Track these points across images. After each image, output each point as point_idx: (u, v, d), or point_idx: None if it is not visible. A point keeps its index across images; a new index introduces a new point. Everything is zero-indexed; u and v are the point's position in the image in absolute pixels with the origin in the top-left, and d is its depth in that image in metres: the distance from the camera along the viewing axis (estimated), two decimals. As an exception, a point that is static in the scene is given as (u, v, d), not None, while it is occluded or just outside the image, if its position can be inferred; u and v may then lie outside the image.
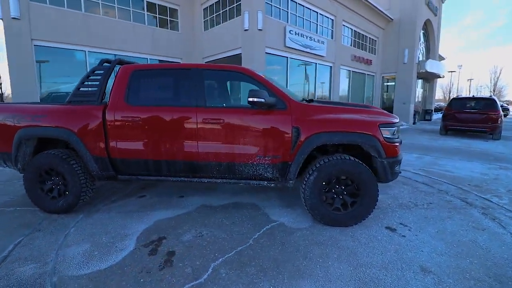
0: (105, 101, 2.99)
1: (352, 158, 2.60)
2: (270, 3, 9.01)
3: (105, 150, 2.89)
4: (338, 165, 2.57)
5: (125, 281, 1.91)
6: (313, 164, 2.68)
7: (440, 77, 20.05)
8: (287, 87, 10.36)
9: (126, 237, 2.54)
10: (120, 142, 2.86)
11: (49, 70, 7.87)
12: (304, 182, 2.66)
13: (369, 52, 15.78)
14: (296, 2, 9.98)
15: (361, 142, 2.57)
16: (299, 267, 2.08)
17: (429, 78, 19.77)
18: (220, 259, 2.18)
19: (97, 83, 2.96)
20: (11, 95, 7.95)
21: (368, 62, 15.51)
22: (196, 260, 2.16)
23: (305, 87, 11.78)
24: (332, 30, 12.36)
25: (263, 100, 2.50)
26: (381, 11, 14.66)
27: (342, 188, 2.67)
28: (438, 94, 51.89)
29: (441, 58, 22.99)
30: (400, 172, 3.21)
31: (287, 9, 9.69)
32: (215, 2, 9.97)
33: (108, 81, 3.03)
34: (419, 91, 18.96)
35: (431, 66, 16.26)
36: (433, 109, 20.81)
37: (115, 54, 8.88)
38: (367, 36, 15.29)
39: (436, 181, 4.33)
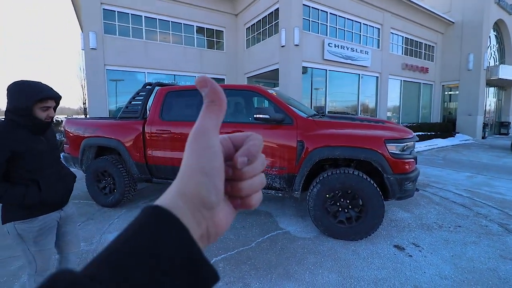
0: (146, 117, 3.65)
1: (356, 172, 2.65)
2: (308, 19, 9.24)
3: (144, 157, 3.51)
4: (341, 178, 2.65)
5: (142, 264, 2.36)
6: (318, 177, 2.81)
7: (521, 84, 17.06)
8: (326, 98, 10.31)
9: (153, 230, 3.03)
10: (154, 151, 3.45)
11: (117, 89, 9.51)
12: (309, 194, 2.80)
13: (425, 59, 14.51)
14: (336, 15, 10.00)
15: (364, 157, 2.61)
16: (289, 271, 2.24)
17: (505, 86, 17.01)
18: (222, 256, 2.48)
19: (140, 102, 3.64)
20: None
21: (424, 70, 14.24)
22: (201, 254, 2.50)
23: (348, 98, 11.47)
24: (378, 39, 11.86)
25: (268, 116, 2.77)
26: (439, 15, 13.46)
27: (347, 202, 2.72)
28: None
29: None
30: (418, 190, 3.08)
31: (326, 23, 9.77)
32: (257, 22, 10.67)
33: (149, 100, 3.69)
34: (491, 101, 16.45)
35: (505, 72, 14.04)
36: (510, 121, 17.72)
37: (169, 74, 10.22)
38: (421, 43, 14.13)
39: (478, 204, 3.88)
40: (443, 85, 15.45)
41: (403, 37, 13.14)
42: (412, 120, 14.26)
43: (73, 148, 3.96)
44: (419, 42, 14.01)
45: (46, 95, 1.47)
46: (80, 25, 10.65)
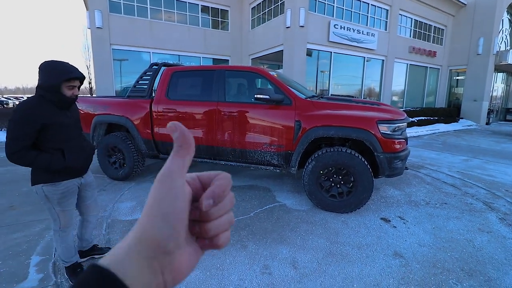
0: (153, 96, 3.83)
1: (349, 150, 2.84)
2: (315, -1, 9.07)
3: (151, 134, 3.72)
4: (334, 156, 2.85)
5: (152, 228, 2.64)
6: (313, 155, 3.01)
7: (531, 70, 16.64)
8: (330, 81, 10.29)
9: (160, 201, 3.31)
10: (161, 128, 3.65)
11: (122, 69, 9.61)
12: (304, 170, 3.01)
13: (433, 42, 14.16)
14: (343, -5, 9.76)
15: (356, 136, 2.78)
16: (283, 236, 2.50)
17: (515, 71, 16.61)
18: (223, 223, 2.74)
19: (147, 82, 3.80)
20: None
21: (432, 54, 13.95)
22: (204, 221, 2.77)
23: (353, 82, 11.42)
24: (386, 21, 11.58)
25: (268, 96, 2.93)
26: (451, -4, 12.98)
27: (339, 178, 2.94)
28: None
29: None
30: (407, 169, 3.29)
31: (333, 3, 9.56)
32: (262, 1, 10.46)
33: (156, 80, 3.85)
34: (498, 87, 16.16)
35: (515, 56, 13.69)
36: (517, 107, 17.46)
37: (173, 55, 10.23)
38: (431, 25, 13.74)
39: (467, 184, 4.08)
40: (450, 70, 15.17)
41: (412, 19, 12.78)
42: (417, 105, 14.18)
43: (84, 125, 4.17)
44: (429, 24, 13.62)
45: (74, 75, 1.65)
46: (85, 3, 10.54)
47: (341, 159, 2.82)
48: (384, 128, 2.79)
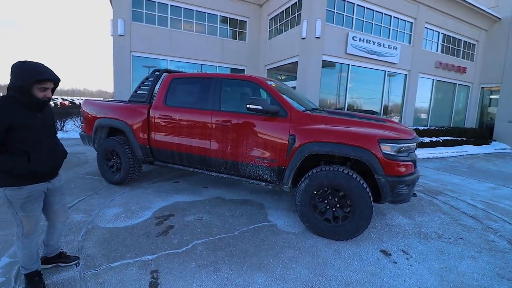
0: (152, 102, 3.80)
1: (346, 170, 2.56)
2: (333, 10, 8.86)
3: (147, 140, 3.67)
4: (329, 175, 2.58)
5: (129, 238, 2.51)
6: (307, 173, 2.76)
7: None
8: (346, 96, 9.92)
9: (147, 209, 3.20)
10: (156, 135, 3.59)
11: (141, 75, 9.95)
12: (297, 189, 2.77)
13: (463, 58, 13.32)
14: (363, 7, 9.46)
15: (354, 155, 2.50)
16: (263, 262, 2.25)
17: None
18: (203, 240, 2.56)
19: (147, 87, 3.79)
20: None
21: (461, 70, 13.09)
22: (184, 236, 2.60)
23: (372, 96, 10.93)
24: (410, 34, 11.07)
25: (260, 107, 2.75)
26: (484, 10, 12.20)
27: (335, 200, 2.65)
28: None
29: None
30: (415, 195, 2.92)
31: (352, 15, 9.29)
32: (280, 12, 10.44)
33: (156, 86, 3.83)
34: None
35: (559, 76, 12.46)
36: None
37: (190, 63, 10.44)
38: (461, 40, 12.96)
39: (491, 217, 3.57)
40: (482, 88, 14.12)
41: (439, 32, 12.13)
42: (443, 123, 13.28)
43: (88, 128, 4.24)
44: (458, 39, 12.85)
45: (45, 77, 1.60)
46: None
47: (337, 180, 2.55)
48: (387, 148, 2.49)
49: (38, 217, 1.79)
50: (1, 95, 1.67)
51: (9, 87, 1.59)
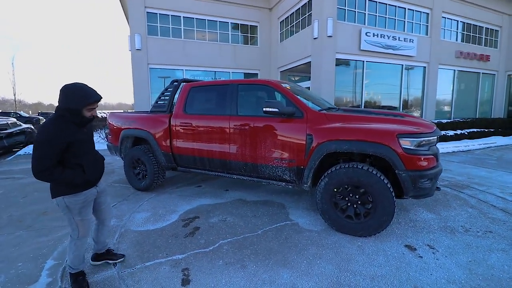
0: (172, 111, 4.00)
1: (366, 167, 2.58)
2: (344, 8, 8.81)
3: (170, 147, 3.87)
4: (348, 173, 2.61)
5: (159, 239, 2.68)
6: (327, 171, 2.80)
7: None
8: (363, 93, 9.77)
9: (174, 212, 3.37)
10: (178, 142, 3.77)
11: (159, 86, 10.38)
12: (317, 187, 2.82)
13: (485, 45, 12.69)
14: (375, 1, 9.32)
15: (373, 152, 2.52)
16: (287, 259, 2.33)
17: None
18: (228, 239, 2.67)
19: (167, 97, 4.00)
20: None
21: (484, 58, 12.48)
22: (210, 236, 2.73)
23: (390, 91, 10.67)
24: (427, 26, 10.74)
25: (277, 109, 2.84)
26: (505, -7, 11.60)
27: (356, 197, 2.67)
28: None
29: None
30: (439, 189, 2.87)
31: (364, 11, 9.18)
32: (290, 15, 10.52)
33: (175, 95, 4.03)
34: None
35: None
36: None
37: (205, 71, 10.76)
38: (482, 27, 12.37)
39: (524, 209, 3.41)
40: (509, 75, 13.36)
41: (457, 21, 11.66)
42: (468, 115, 12.68)
43: (114, 139, 4.53)
44: (479, 26, 12.28)
45: (94, 100, 1.76)
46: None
47: (357, 177, 2.57)
48: (406, 143, 2.48)
49: (90, 220, 1.99)
50: (51, 115, 1.80)
51: (60, 108, 1.71)
